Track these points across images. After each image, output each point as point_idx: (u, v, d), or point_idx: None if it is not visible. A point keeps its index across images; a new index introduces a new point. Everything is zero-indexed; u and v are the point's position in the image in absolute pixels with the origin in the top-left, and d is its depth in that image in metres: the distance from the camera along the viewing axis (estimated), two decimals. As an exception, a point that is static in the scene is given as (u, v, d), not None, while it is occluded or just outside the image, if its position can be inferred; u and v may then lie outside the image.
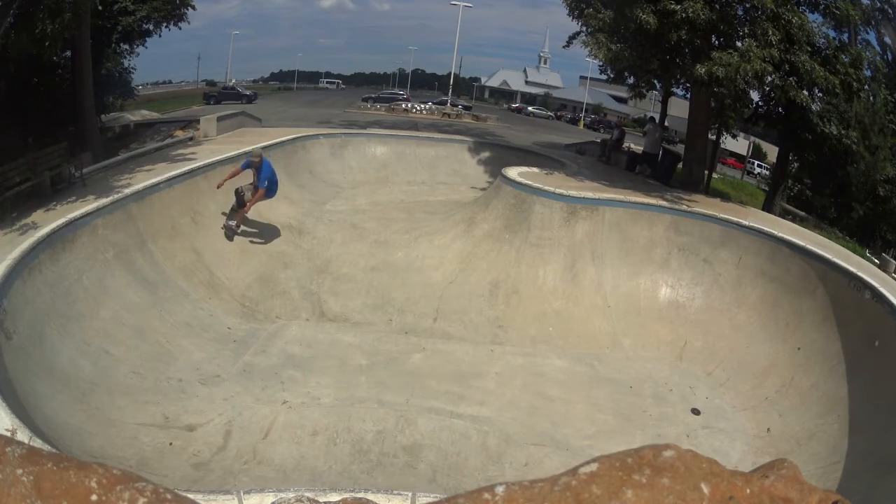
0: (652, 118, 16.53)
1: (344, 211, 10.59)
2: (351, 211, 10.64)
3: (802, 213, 16.06)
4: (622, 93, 41.35)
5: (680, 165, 12.85)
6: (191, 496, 0.80)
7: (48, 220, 6.22)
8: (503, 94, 72.90)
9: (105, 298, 6.09)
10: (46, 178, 7.42)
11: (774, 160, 21.34)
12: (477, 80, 78.16)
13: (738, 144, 28.66)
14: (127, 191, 7.45)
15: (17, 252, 5.37)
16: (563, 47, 12.61)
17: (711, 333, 7.61)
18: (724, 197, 13.86)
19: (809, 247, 7.62)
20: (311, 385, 6.03)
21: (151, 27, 16.51)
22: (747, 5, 9.39)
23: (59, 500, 0.70)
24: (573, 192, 8.99)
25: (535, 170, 10.73)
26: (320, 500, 0.92)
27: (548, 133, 26.80)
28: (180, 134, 13.21)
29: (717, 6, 9.20)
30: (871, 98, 14.32)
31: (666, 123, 18.15)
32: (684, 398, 6.57)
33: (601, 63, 12.18)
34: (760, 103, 13.58)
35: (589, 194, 9.05)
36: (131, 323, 6.09)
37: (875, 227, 15.56)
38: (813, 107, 11.60)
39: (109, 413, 4.85)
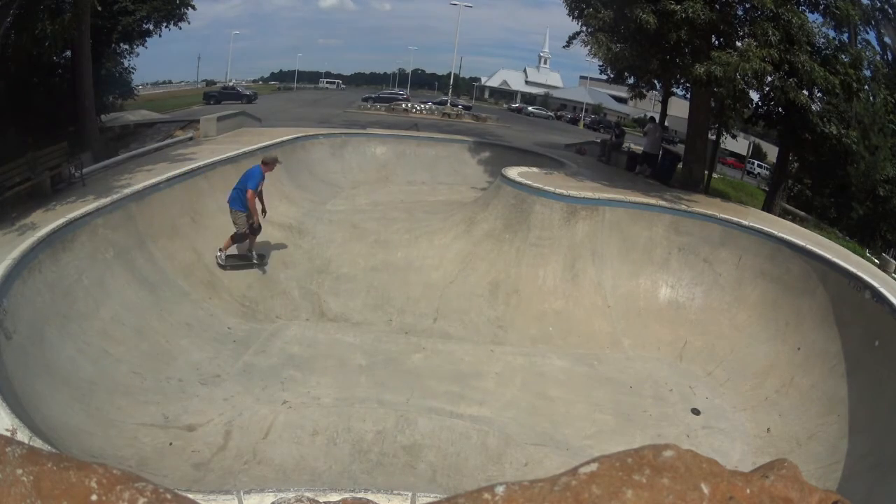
0: (652, 118, 16.53)
1: (344, 211, 10.59)
2: (351, 211, 10.65)
3: (802, 213, 16.06)
4: (622, 93, 41.31)
5: (680, 165, 12.85)
6: (191, 496, 0.80)
7: (48, 220, 6.21)
8: (503, 94, 72.94)
9: (105, 298, 6.08)
10: (46, 178, 7.42)
11: (774, 160, 21.34)
12: (477, 80, 78.27)
13: (738, 144, 28.67)
14: (127, 191, 7.45)
15: (16, 252, 5.36)
16: (563, 47, 12.61)
17: (711, 333, 7.61)
18: (724, 197, 13.87)
19: (809, 247, 7.62)
20: (311, 385, 6.03)
21: (151, 27, 16.57)
22: (747, 5, 9.39)
23: (59, 500, 0.70)
24: (573, 192, 8.99)
25: (535, 170, 10.73)
26: (320, 500, 0.92)
27: (548, 133, 26.80)
28: (180, 134, 13.22)
29: (717, 6, 9.20)
30: (871, 98, 14.31)
31: (666, 123, 18.15)
32: (684, 398, 6.57)
33: (601, 63, 12.19)
34: (760, 103, 13.58)
35: (589, 194, 9.05)
36: (131, 323, 6.08)
37: (875, 227, 15.56)
38: (813, 107, 11.59)
39: (109, 413, 4.84)
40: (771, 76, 9.44)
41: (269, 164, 8.04)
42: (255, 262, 8.27)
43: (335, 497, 2.71)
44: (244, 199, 7.74)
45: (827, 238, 10.03)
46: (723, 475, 0.74)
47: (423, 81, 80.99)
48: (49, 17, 8.49)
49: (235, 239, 7.99)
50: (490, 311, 7.98)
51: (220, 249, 7.97)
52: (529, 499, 0.70)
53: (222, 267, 7.98)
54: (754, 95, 12.66)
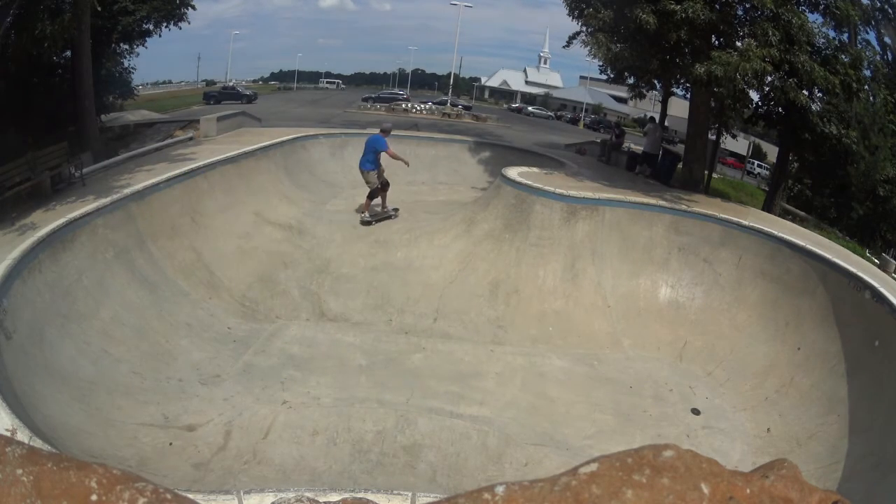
0: (652, 118, 16.52)
1: (344, 211, 10.59)
2: (351, 211, 10.64)
3: (802, 213, 16.07)
4: (622, 93, 41.34)
5: (680, 165, 12.85)
6: (191, 496, 0.80)
7: (48, 220, 6.21)
8: (503, 94, 72.97)
9: (105, 298, 6.08)
10: (46, 178, 7.42)
11: (774, 160, 21.33)
12: (477, 80, 78.28)
13: (738, 144, 28.66)
14: (127, 191, 7.44)
15: (16, 252, 5.36)
16: (563, 47, 12.61)
17: (711, 333, 7.61)
18: (724, 197, 13.88)
19: (809, 247, 7.62)
20: (311, 385, 6.04)
21: (151, 27, 16.57)
22: (747, 5, 9.39)
23: (59, 500, 0.70)
24: (573, 192, 8.99)
25: (535, 170, 10.73)
26: (320, 500, 0.92)
27: (548, 133, 26.80)
28: (180, 134, 13.21)
29: (717, 6, 9.19)
30: (871, 98, 14.29)
31: (666, 123, 18.14)
32: (684, 398, 6.57)
33: (601, 63, 12.19)
34: (760, 103, 13.57)
35: (589, 194, 9.05)
36: (131, 323, 6.08)
37: (875, 227, 15.55)
38: (813, 107, 11.59)
39: (109, 413, 4.85)
40: (771, 76, 9.44)
41: (386, 131, 9.94)
42: (391, 214, 10.05)
43: (335, 497, 2.71)
44: (374, 160, 9.60)
45: (827, 238, 10.03)
46: (723, 475, 0.74)
47: (423, 81, 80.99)
48: (49, 17, 8.50)
49: (371, 196, 9.77)
50: (490, 311, 7.98)
51: (363, 212, 9.76)
52: (529, 499, 0.70)
53: (368, 223, 9.65)
54: (754, 95, 12.65)
